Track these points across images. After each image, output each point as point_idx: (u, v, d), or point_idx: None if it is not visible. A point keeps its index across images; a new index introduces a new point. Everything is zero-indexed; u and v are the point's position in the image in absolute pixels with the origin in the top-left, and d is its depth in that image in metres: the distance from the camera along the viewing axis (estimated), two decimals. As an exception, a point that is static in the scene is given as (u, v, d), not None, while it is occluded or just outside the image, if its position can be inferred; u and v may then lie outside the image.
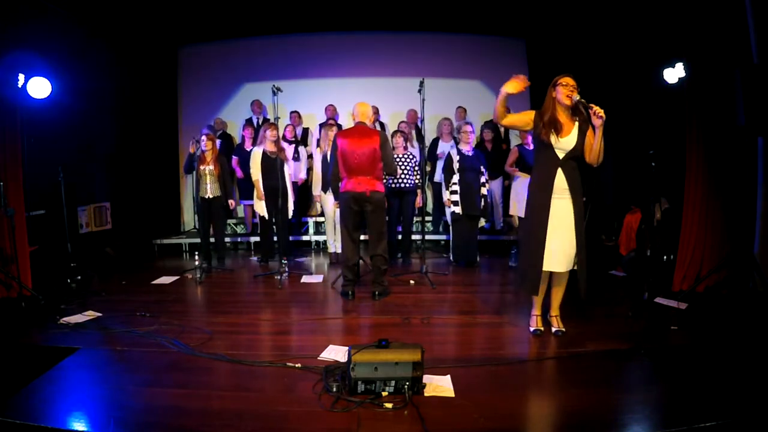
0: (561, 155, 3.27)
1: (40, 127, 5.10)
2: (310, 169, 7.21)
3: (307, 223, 7.55)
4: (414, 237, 6.32)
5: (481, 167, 5.66)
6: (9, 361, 3.12)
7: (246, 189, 6.72)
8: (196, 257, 5.72)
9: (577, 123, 3.28)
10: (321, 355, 3.11)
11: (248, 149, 6.49)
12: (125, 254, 6.57)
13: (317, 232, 7.47)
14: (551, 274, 3.40)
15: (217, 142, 6.57)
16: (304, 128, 7.55)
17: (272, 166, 5.70)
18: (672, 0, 4.67)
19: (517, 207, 5.62)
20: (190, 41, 8.05)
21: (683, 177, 4.55)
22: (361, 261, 4.85)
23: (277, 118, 5.46)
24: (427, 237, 6.64)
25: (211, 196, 5.82)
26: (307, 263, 6.28)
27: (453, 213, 5.63)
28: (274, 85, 5.09)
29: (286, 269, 5.29)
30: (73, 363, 3.02)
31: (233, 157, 7.13)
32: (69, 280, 4.85)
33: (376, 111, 6.96)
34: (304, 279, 5.31)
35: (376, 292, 4.42)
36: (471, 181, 5.56)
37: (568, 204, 3.29)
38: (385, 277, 4.56)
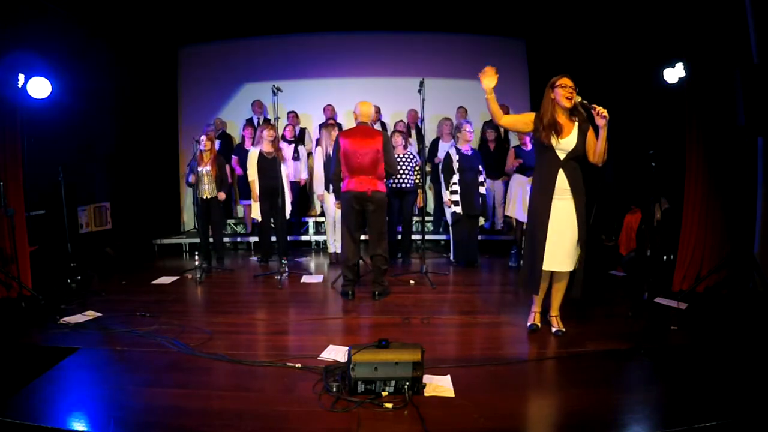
0: (562, 156, 3.27)
1: (40, 127, 5.10)
2: (309, 169, 7.22)
3: (306, 223, 7.55)
4: (414, 237, 6.32)
5: (479, 166, 5.66)
6: (9, 361, 3.12)
7: (246, 189, 6.72)
8: (196, 257, 5.72)
9: (576, 123, 3.28)
10: (321, 355, 3.11)
11: (248, 149, 6.50)
12: (125, 254, 6.57)
13: (317, 232, 7.47)
14: (552, 273, 3.40)
15: (216, 142, 6.57)
16: (301, 128, 7.55)
17: (269, 166, 5.70)
18: (672, 0, 4.67)
19: (513, 207, 5.62)
20: (190, 41, 8.05)
21: (683, 177, 4.55)
22: (361, 261, 4.85)
23: (276, 118, 5.46)
24: (427, 237, 6.64)
25: (209, 197, 5.82)
26: (307, 263, 6.28)
27: (454, 213, 5.63)
28: (274, 85, 5.08)
29: (286, 269, 5.30)
30: (73, 363, 3.02)
31: (233, 156, 7.14)
32: (69, 280, 4.85)
33: (377, 111, 6.97)
34: (304, 279, 5.31)
35: (376, 292, 4.42)
36: (470, 181, 5.56)
37: (570, 204, 3.30)
38: (385, 277, 4.56)
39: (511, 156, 5.69)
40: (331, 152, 5.19)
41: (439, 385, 2.64)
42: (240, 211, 7.82)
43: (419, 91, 5.05)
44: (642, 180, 4.81)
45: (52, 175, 4.87)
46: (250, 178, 5.83)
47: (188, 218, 8.08)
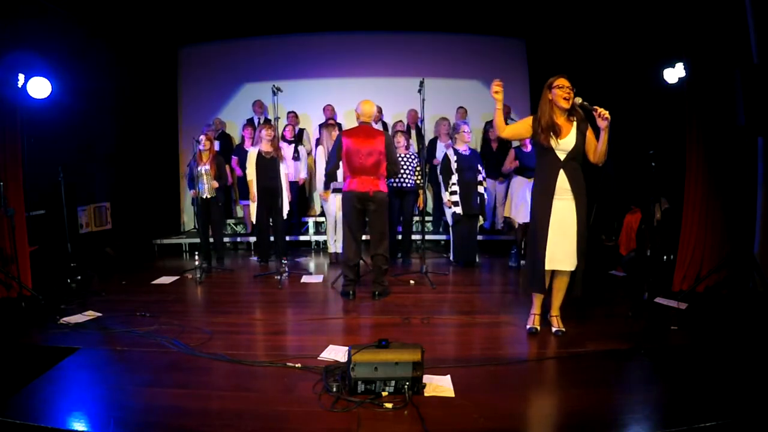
0: (562, 157, 3.28)
1: (40, 127, 5.11)
2: (309, 169, 7.23)
3: (306, 223, 7.55)
4: (414, 237, 6.32)
5: (478, 165, 5.66)
6: (9, 361, 3.12)
7: (245, 189, 6.73)
8: (196, 257, 5.72)
9: (575, 123, 3.29)
10: (321, 355, 3.11)
11: (248, 149, 6.50)
12: (125, 254, 6.58)
13: (317, 232, 7.47)
14: (552, 273, 3.41)
15: (216, 143, 6.57)
16: (300, 128, 7.55)
17: (268, 166, 5.70)
18: (672, 0, 4.67)
19: (512, 208, 5.62)
20: (190, 41, 8.06)
21: (683, 177, 4.55)
22: (361, 261, 4.85)
23: (276, 118, 5.46)
24: (427, 237, 6.64)
25: (208, 197, 5.81)
26: (306, 263, 6.28)
27: (454, 214, 5.63)
28: (274, 85, 5.09)
29: (286, 269, 5.30)
30: (73, 363, 3.02)
31: (233, 156, 7.14)
32: (69, 280, 4.85)
33: (379, 110, 6.98)
34: (304, 279, 5.31)
35: (377, 292, 4.42)
36: (469, 181, 5.57)
37: (571, 204, 3.30)
38: (386, 277, 4.56)
39: (511, 157, 5.70)
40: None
41: (439, 385, 2.64)
42: (240, 211, 7.83)
43: (419, 91, 5.05)
44: (642, 180, 4.81)
45: (52, 175, 4.87)
46: (248, 178, 5.83)
47: (188, 218, 8.08)
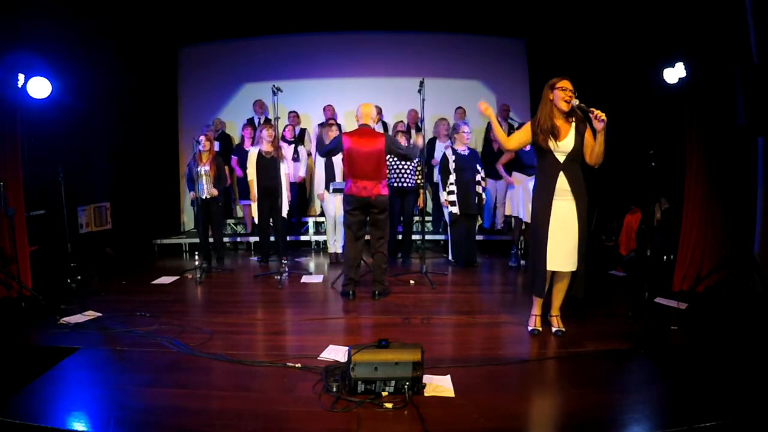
0: (561, 159, 3.28)
1: (40, 127, 5.10)
2: (309, 169, 7.22)
3: (307, 223, 7.55)
4: (414, 237, 6.32)
5: (477, 165, 5.66)
6: (9, 361, 3.12)
7: (245, 189, 6.73)
8: (196, 257, 5.72)
9: (573, 124, 3.29)
10: (321, 355, 3.11)
11: (247, 149, 6.50)
12: (125, 254, 6.58)
13: (317, 232, 7.47)
14: (553, 273, 3.41)
15: (216, 143, 6.56)
16: (301, 128, 7.55)
17: (269, 166, 5.70)
18: (672, 0, 4.67)
19: (512, 206, 5.62)
20: (190, 41, 8.05)
21: (683, 177, 4.55)
22: (361, 261, 4.85)
23: (276, 118, 5.46)
24: (427, 237, 6.64)
25: (207, 197, 5.80)
26: (306, 263, 6.28)
27: (451, 213, 5.64)
28: (274, 85, 5.08)
29: (286, 269, 5.30)
30: (73, 363, 3.02)
31: (232, 156, 7.14)
32: (69, 280, 4.85)
33: (379, 111, 6.97)
34: (304, 279, 5.31)
35: (377, 292, 4.42)
36: (467, 181, 5.57)
37: (572, 205, 3.30)
38: (386, 276, 4.56)
39: (506, 155, 5.70)
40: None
41: (439, 385, 2.64)
42: (239, 211, 7.83)
43: (419, 91, 5.05)
44: (642, 180, 4.81)
45: (52, 175, 4.87)
46: (249, 178, 5.83)
47: (188, 218, 8.08)
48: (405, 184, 5.73)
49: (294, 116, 7.47)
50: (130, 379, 2.81)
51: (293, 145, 6.96)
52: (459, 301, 4.49)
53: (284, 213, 5.88)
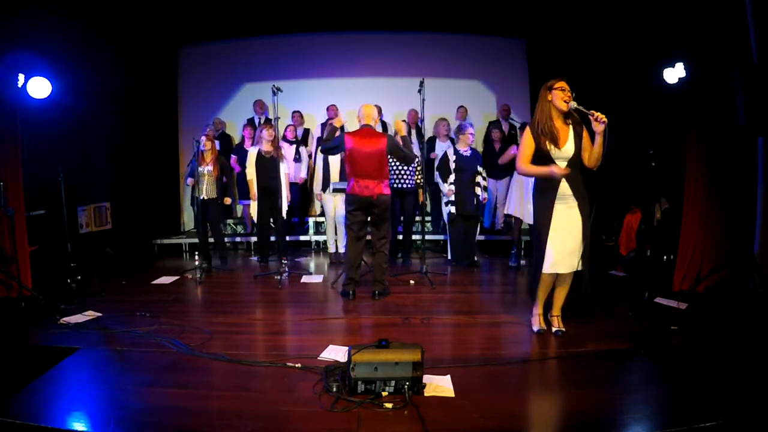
0: (563, 165, 3.23)
1: (40, 127, 5.10)
2: (310, 170, 7.22)
3: (307, 222, 7.55)
4: (414, 237, 6.32)
5: (478, 167, 5.65)
6: (9, 361, 3.12)
7: (245, 189, 6.73)
8: (196, 257, 5.72)
9: (571, 127, 3.26)
10: (321, 355, 3.11)
11: (247, 149, 6.49)
12: (125, 254, 6.57)
13: (317, 232, 7.47)
14: (556, 275, 3.40)
15: (216, 143, 6.56)
16: (305, 129, 7.54)
17: (268, 166, 5.69)
18: (672, 0, 4.67)
19: (511, 206, 5.62)
20: (190, 41, 8.05)
21: (683, 177, 4.55)
22: (361, 261, 4.85)
23: (276, 118, 5.46)
24: (427, 237, 6.64)
25: (207, 197, 5.79)
26: (306, 263, 6.28)
27: (449, 213, 5.64)
28: (274, 85, 5.09)
29: (286, 269, 5.30)
30: (73, 363, 3.02)
31: (232, 155, 7.14)
32: (69, 280, 4.85)
33: (379, 110, 6.97)
34: (304, 279, 5.31)
35: (377, 292, 4.42)
36: (466, 182, 5.56)
37: (574, 208, 3.28)
38: (386, 276, 4.56)
39: (510, 151, 5.70)
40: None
41: (439, 385, 2.64)
42: (240, 210, 7.83)
43: (419, 91, 5.05)
44: (642, 180, 4.81)
45: (52, 175, 4.87)
46: (248, 178, 5.83)
47: (188, 218, 8.08)
48: (405, 185, 5.73)
49: (298, 116, 7.46)
50: (130, 379, 2.81)
51: (295, 146, 6.96)
52: (459, 301, 4.49)
53: (284, 213, 5.88)
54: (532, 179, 3.50)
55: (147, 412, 2.43)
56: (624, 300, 4.21)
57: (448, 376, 2.74)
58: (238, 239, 7.45)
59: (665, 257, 4.96)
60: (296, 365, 2.94)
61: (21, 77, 4.46)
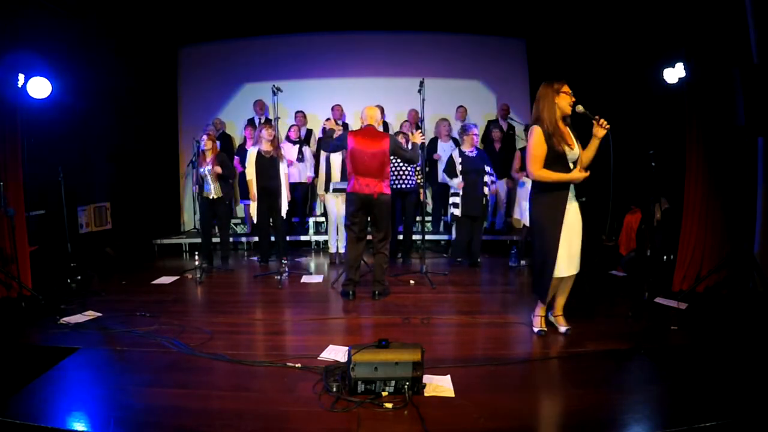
0: (571, 165, 3.25)
1: (40, 127, 5.10)
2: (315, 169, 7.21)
3: (307, 222, 7.55)
4: (414, 237, 6.33)
5: (485, 167, 5.64)
6: (9, 361, 3.12)
7: (246, 189, 6.72)
8: (196, 257, 5.72)
9: (569, 128, 3.30)
10: (321, 355, 3.11)
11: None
12: (125, 254, 6.57)
13: (317, 232, 7.47)
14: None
15: (217, 143, 6.56)
16: (307, 129, 7.54)
17: (268, 166, 5.69)
18: (672, 0, 4.67)
19: (519, 211, 5.62)
20: (191, 41, 8.05)
21: (683, 177, 4.55)
22: (361, 261, 4.85)
23: (277, 118, 5.46)
24: (427, 237, 6.64)
25: (214, 197, 5.79)
26: (307, 263, 6.28)
27: (452, 214, 5.64)
28: (274, 85, 5.09)
29: (286, 269, 5.29)
30: (73, 363, 3.02)
31: (235, 156, 7.14)
32: (69, 280, 4.85)
33: (382, 111, 6.96)
34: (304, 279, 5.31)
35: (377, 292, 4.42)
36: (472, 183, 5.56)
37: (576, 210, 3.31)
38: (386, 276, 4.56)
39: (518, 160, 5.70)
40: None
41: (439, 385, 2.64)
42: (240, 210, 7.82)
43: (419, 91, 5.05)
44: (642, 180, 4.81)
45: (52, 175, 4.87)
46: (248, 178, 5.82)
47: (188, 218, 8.08)
48: (405, 185, 5.73)
49: (301, 116, 7.46)
50: (130, 379, 2.81)
51: (298, 146, 6.95)
52: (459, 301, 4.49)
53: (284, 213, 5.87)
54: (528, 180, 3.50)
55: (147, 412, 2.43)
56: (624, 300, 4.21)
57: (448, 376, 2.74)
58: (243, 239, 7.43)
59: (665, 257, 4.96)
60: (296, 365, 2.94)
61: (21, 77, 4.46)
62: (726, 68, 4.01)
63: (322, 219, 7.30)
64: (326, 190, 5.84)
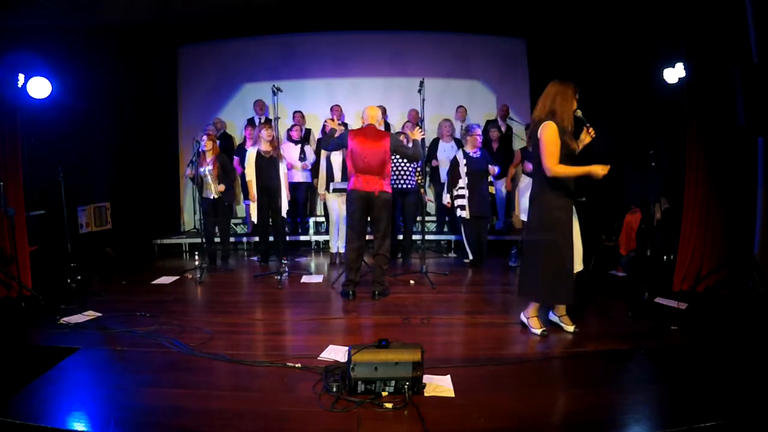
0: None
1: (40, 127, 5.11)
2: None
3: (307, 222, 7.55)
4: (414, 237, 6.32)
5: (489, 166, 5.65)
6: (9, 361, 3.12)
7: (245, 189, 6.72)
8: (196, 257, 5.71)
9: None
10: (321, 355, 3.11)
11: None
12: (125, 254, 6.57)
13: (317, 232, 7.47)
14: None
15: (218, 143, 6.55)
16: (306, 129, 7.54)
17: (267, 166, 5.68)
18: (672, 0, 4.67)
19: (522, 210, 5.63)
20: (190, 41, 8.05)
21: (683, 177, 4.55)
22: (362, 262, 4.85)
23: (276, 118, 5.46)
24: (427, 237, 6.64)
25: (214, 197, 5.79)
26: (307, 263, 6.28)
27: (460, 217, 5.65)
28: (274, 85, 5.08)
29: (286, 269, 5.29)
30: (73, 363, 3.02)
31: (235, 156, 7.14)
32: (69, 280, 4.85)
33: (384, 111, 6.96)
34: (304, 279, 5.31)
35: (376, 292, 4.42)
36: (477, 183, 5.56)
37: (573, 207, 3.36)
38: (386, 277, 4.56)
39: (517, 158, 5.71)
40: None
41: (439, 385, 2.64)
42: (241, 210, 7.82)
43: (419, 91, 5.05)
44: (642, 180, 4.82)
45: (52, 175, 4.87)
46: (247, 178, 5.82)
47: (188, 218, 8.07)
48: (405, 185, 5.73)
49: (299, 116, 7.46)
50: (130, 379, 2.81)
51: (299, 146, 6.95)
52: (459, 301, 4.50)
53: (284, 213, 5.87)
54: (528, 179, 3.52)
55: (147, 412, 2.43)
56: (624, 300, 4.21)
57: (448, 376, 2.74)
58: (240, 239, 7.43)
59: (665, 257, 4.96)
60: (296, 365, 2.94)
61: (21, 77, 4.46)
62: (726, 68, 4.01)
63: (322, 219, 7.29)
64: (327, 190, 5.84)
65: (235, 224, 7.79)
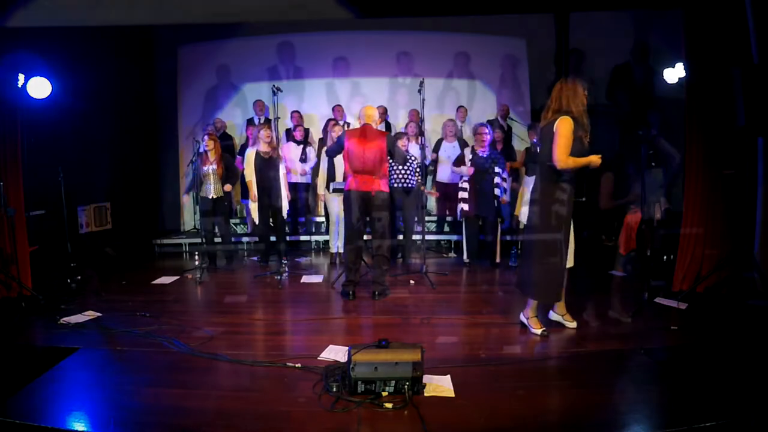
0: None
1: (40, 127, 5.10)
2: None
3: (300, 222, 7.54)
4: (414, 237, 6.32)
5: (496, 168, 5.62)
6: (9, 361, 3.12)
7: (246, 189, 6.71)
8: (196, 257, 5.71)
9: None
10: (321, 355, 3.11)
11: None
12: (125, 254, 6.57)
13: (317, 232, 7.46)
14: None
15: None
16: (305, 128, 7.53)
17: (267, 166, 5.68)
18: (672, 0, 4.67)
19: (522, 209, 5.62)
20: (191, 40, 8.04)
21: (683, 177, 4.55)
22: (361, 262, 4.85)
23: (276, 118, 5.45)
24: (429, 237, 6.63)
25: (215, 197, 5.78)
26: (307, 263, 6.28)
27: (461, 210, 5.64)
28: (274, 85, 5.08)
29: (286, 269, 5.29)
30: (73, 363, 3.02)
31: (237, 156, 7.14)
32: (69, 280, 4.84)
33: (384, 111, 6.95)
34: (304, 279, 5.31)
35: (376, 292, 4.42)
36: (483, 182, 5.56)
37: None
38: (386, 277, 4.56)
39: (522, 156, 5.71)
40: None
41: (439, 385, 2.64)
42: (240, 210, 7.81)
43: (419, 91, 5.05)
44: (642, 179, 4.81)
45: (52, 175, 4.87)
46: (247, 179, 5.81)
47: (188, 218, 8.07)
48: (405, 185, 5.73)
49: (297, 116, 7.45)
50: (130, 379, 2.81)
51: (301, 146, 6.94)
52: (459, 301, 4.50)
53: (284, 213, 5.87)
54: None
55: (147, 412, 2.43)
56: (624, 300, 4.21)
57: (448, 376, 2.74)
58: (244, 240, 7.42)
59: (665, 257, 4.96)
60: (296, 365, 2.94)
61: (21, 77, 4.46)
62: (726, 68, 4.01)
63: (322, 219, 7.28)
64: (327, 189, 5.84)
65: (235, 224, 7.79)
